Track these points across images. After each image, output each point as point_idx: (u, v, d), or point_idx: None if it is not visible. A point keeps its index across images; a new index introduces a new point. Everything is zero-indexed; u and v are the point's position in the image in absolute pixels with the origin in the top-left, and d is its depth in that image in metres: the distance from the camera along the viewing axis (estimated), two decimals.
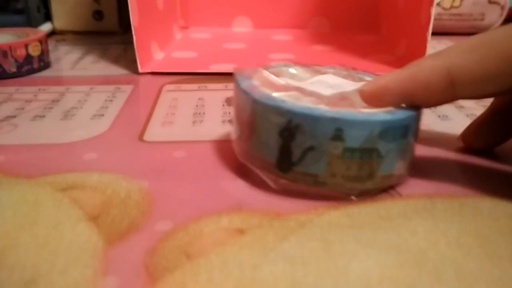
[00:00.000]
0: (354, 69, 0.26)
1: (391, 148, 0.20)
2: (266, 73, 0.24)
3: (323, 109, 0.20)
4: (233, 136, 0.24)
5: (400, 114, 0.20)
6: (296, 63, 0.26)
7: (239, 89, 0.22)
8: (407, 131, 0.21)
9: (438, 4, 0.55)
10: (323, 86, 0.23)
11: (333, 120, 0.19)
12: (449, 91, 0.20)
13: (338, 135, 0.20)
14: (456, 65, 0.19)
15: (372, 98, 0.21)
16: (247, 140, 0.22)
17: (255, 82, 0.23)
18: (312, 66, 0.26)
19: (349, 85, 0.24)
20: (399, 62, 0.42)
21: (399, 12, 0.46)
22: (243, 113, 0.22)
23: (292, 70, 0.25)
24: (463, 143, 0.26)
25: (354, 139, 0.20)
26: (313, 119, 0.20)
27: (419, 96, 0.21)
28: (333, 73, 0.25)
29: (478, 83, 0.19)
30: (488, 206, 0.21)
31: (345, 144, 0.20)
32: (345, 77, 0.25)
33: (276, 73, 0.25)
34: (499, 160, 0.25)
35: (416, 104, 0.21)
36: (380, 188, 0.21)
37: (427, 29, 0.38)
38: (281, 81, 0.23)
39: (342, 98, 0.22)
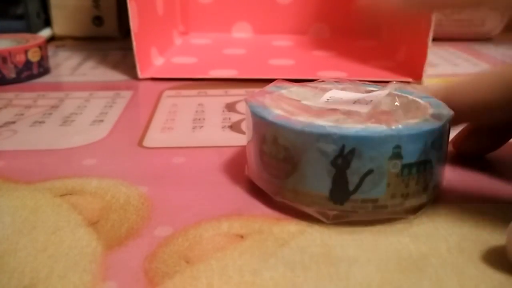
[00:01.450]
0: (349, 80, 0.25)
1: (438, 157, 0.20)
2: (282, 97, 0.22)
3: (376, 128, 0.19)
4: (254, 173, 0.22)
5: (439, 121, 0.20)
6: (289, 83, 0.24)
7: (264, 122, 0.20)
8: (448, 138, 0.20)
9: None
10: (348, 103, 0.22)
11: (391, 138, 0.18)
12: None
13: (397, 153, 0.19)
14: None
15: None
16: (286, 177, 0.20)
17: (278, 110, 0.21)
18: (306, 84, 0.24)
19: (368, 97, 0.23)
20: (399, 68, 0.42)
21: (399, 17, 0.46)
22: (275, 148, 0.20)
23: (292, 91, 0.24)
24: (454, 149, 0.26)
25: (411, 153, 0.19)
26: (370, 141, 0.18)
27: None
28: (334, 88, 0.24)
29: None
30: (488, 211, 0.21)
31: (403, 161, 0.19)
32: (344, 89, 0.24)
33: (278, 97, 0.23)
34: (492, 166, 0.25)
35: None
36: (432, 200, 0.21)
37: (427, 35, 0.38)
38: (308, 103, 0.22)
39: (382, 112, 0.21)
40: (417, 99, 0.22)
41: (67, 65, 0.45)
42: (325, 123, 0.19)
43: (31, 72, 0.40)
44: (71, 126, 0.30)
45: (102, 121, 0.31)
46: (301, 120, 0.20)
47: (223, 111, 0.33)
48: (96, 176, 0.24)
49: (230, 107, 0.34)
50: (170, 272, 0.17)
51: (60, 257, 0.18)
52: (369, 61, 0.44)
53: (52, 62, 0.46)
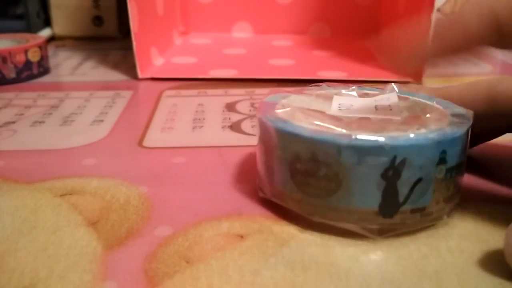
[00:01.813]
0: (342, 82, 0.24)
1: (466, 157, 0.20)
2: (300, 109, 0.21)
3: (423, 135, 0.18)
4: (280, 195, 0.20)
5: (466, 121, 0.19)
6: (285, 91, 0.23)
7: (297, 138, 0.19)
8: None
9: (438, 10, 0.55)
10: (369, 110, 0.21)
11: (438, 143, 0.18)
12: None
13: (442, 158, 0.18)
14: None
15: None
16: (328, 195, 0.19)
17: (304, 124, 0.19)
18: (302, 91, 0.23)
19: (380, 102, 0.22)
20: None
21: (400, 17, 0.46)
22: (314, 165, 0.18)
23: (292, 99, 0.22)
24: None
25: (453, 157, 0.18)
26: (420, 149, 0.18)
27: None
28: (329, 92, 0.23)
29: None
30: (488, 211, 0.21)
31: (447, 166, 0.18)
32: (339, 93, 0.23)
33: (296, 109, 0.21)
34: (491, 166, 0.25)
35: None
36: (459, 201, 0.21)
37: (427, 35, 0.37)
38: (334, 113, 0.21)
39: (412, 117, 0.20)
40: (420, 99, 0.22)
41: (67, 65, 0.45)
42: (373, 135, 0.18)
43: (31, 72, 0.40)
44: (71, 126, 0.30)
45: (102, 121, 0.31)
46: (342, 132, 0.18)
47: (223, 111, 0.33)
48: (96, 176, 0.24)
49: (230, 107, 0.34)
50: (170, 272, 0.17)
51: (60, 257, 0.18)
52: (369, 61, 0.44)
53: (52, 62, 0.46)
